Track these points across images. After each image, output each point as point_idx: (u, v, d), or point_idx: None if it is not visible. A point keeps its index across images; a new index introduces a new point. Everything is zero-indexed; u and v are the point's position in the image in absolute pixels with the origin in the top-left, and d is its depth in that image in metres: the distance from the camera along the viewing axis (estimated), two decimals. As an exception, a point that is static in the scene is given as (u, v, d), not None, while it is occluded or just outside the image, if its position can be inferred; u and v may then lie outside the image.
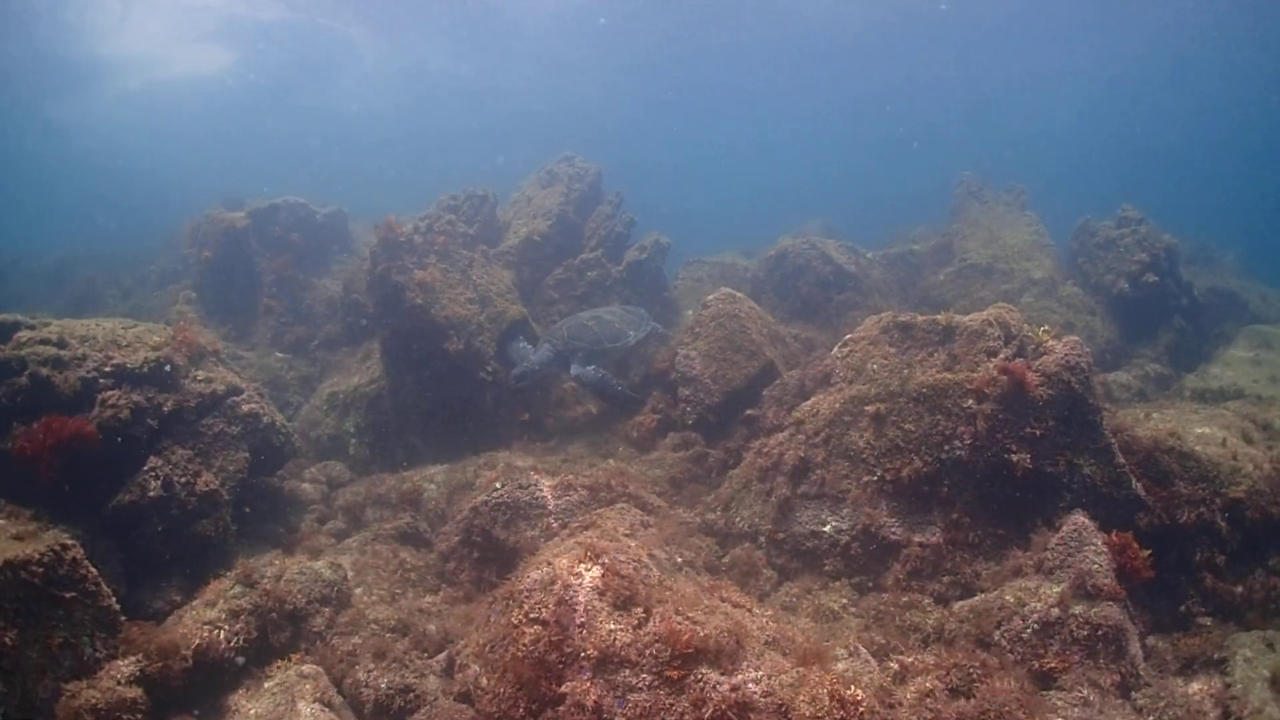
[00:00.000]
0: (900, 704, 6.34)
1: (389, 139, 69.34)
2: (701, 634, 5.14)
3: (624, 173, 18.35)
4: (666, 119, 65.74)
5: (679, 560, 7.28)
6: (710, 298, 12.16)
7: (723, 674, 5.06)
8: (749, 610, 5.97)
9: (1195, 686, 7.07)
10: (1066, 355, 8.41)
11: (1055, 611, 7.06)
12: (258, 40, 46.32)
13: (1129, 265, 16.95)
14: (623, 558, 5.84)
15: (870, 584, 8.20)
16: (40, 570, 6.63)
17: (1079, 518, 7.84)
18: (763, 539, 8.83)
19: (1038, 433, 8.17)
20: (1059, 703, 6.64)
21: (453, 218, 14.27)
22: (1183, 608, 8.07)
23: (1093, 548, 7.55)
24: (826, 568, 8.41)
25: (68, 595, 6.81)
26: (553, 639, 5.63)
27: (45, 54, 41.82)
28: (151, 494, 8.87)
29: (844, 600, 8.00)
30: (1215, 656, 7.45)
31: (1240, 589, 8.08)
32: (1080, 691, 6.77)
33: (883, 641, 7.19)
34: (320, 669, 7.16)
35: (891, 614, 7.62)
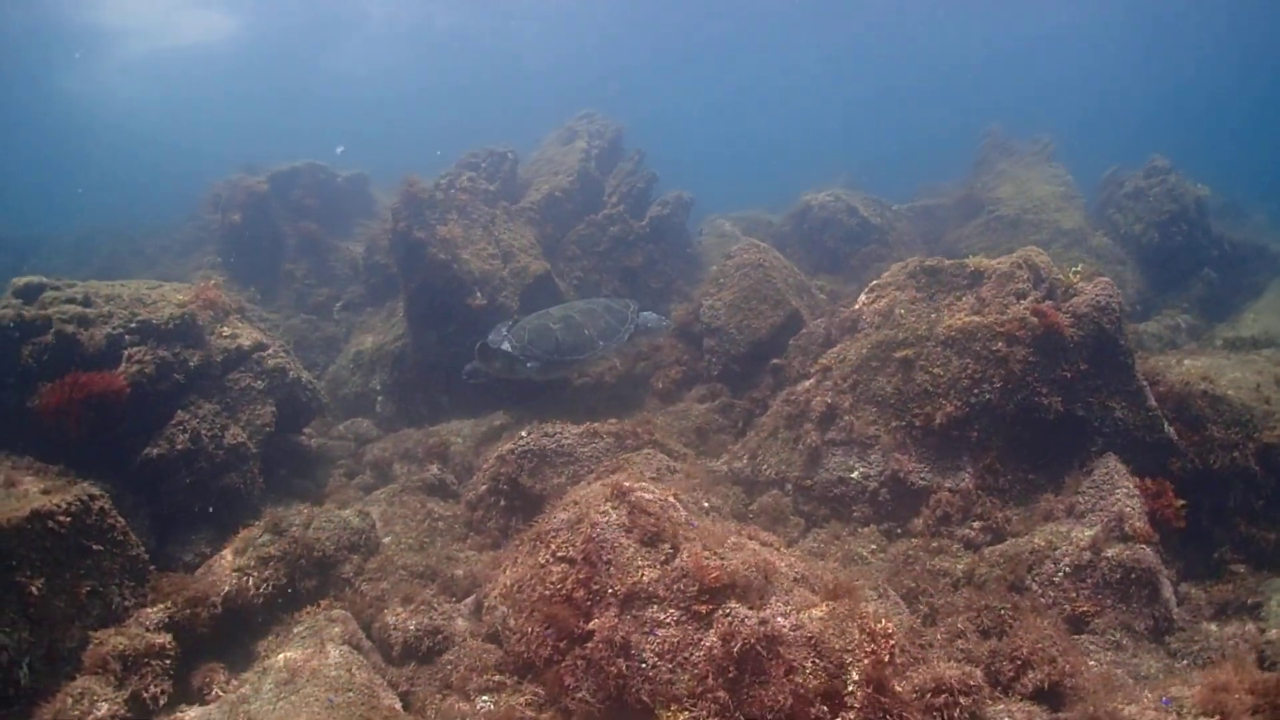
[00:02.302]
0: (931, 644, 6.31)
1: (399, 99, 68.77)
2: (729, 569, 5.10)
3: (636, 130, 18.18)
4: (675, 74, 65.04)
5: (705, 506, 7.25)
6: (735, 247, 12.04)
7: (751, 608, 5.02)
8: (777, 548, 5.92)
9: (1229, 630, 6.97)
10: (1097, 296, 8.27)
11: (1088, 555, 6.98)
12: (261, 3, 45.95)
13: (1158, 215, 16.77)
14: (649, 496, 5.80)
15: (899, 530, 8.13)
16: (67, 520, 6.68)
17: (1111, 460, 7.75)
18: (790, 486, 8.77)
19: (1069, 375, 8.05)
20: (1091, 646, 6.60)
21: (474, 175, 14.22)
22: (1215, 554, 7.96)
23: (1125, 490, 7.46)
24: (854, 514, 8.34)
25: (95, 545, 6.88)
26: (580, 577, 5.62)
27: (49, 22, 41.66)
28: (179, 447, 8.92)
29: (872, 546, 7.94)
30: (1249, 602, 7.36)
31: (1274, 535, 7.95)
32: (1113, 635, 6.71)
33: (912, 585, 7.14)
34: (349, 614, 7.18)
35: (921, 559, 7.56)
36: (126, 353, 9.04)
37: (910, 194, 21.73)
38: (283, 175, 18.10)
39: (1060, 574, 6.98)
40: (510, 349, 10.75)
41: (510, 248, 12.98)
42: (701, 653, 5.01)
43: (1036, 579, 7.04)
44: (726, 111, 76.54)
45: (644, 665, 5.18)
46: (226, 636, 7.18)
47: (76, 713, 6.01)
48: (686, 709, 4.89)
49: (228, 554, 7.77)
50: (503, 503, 8.55)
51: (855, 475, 8.43)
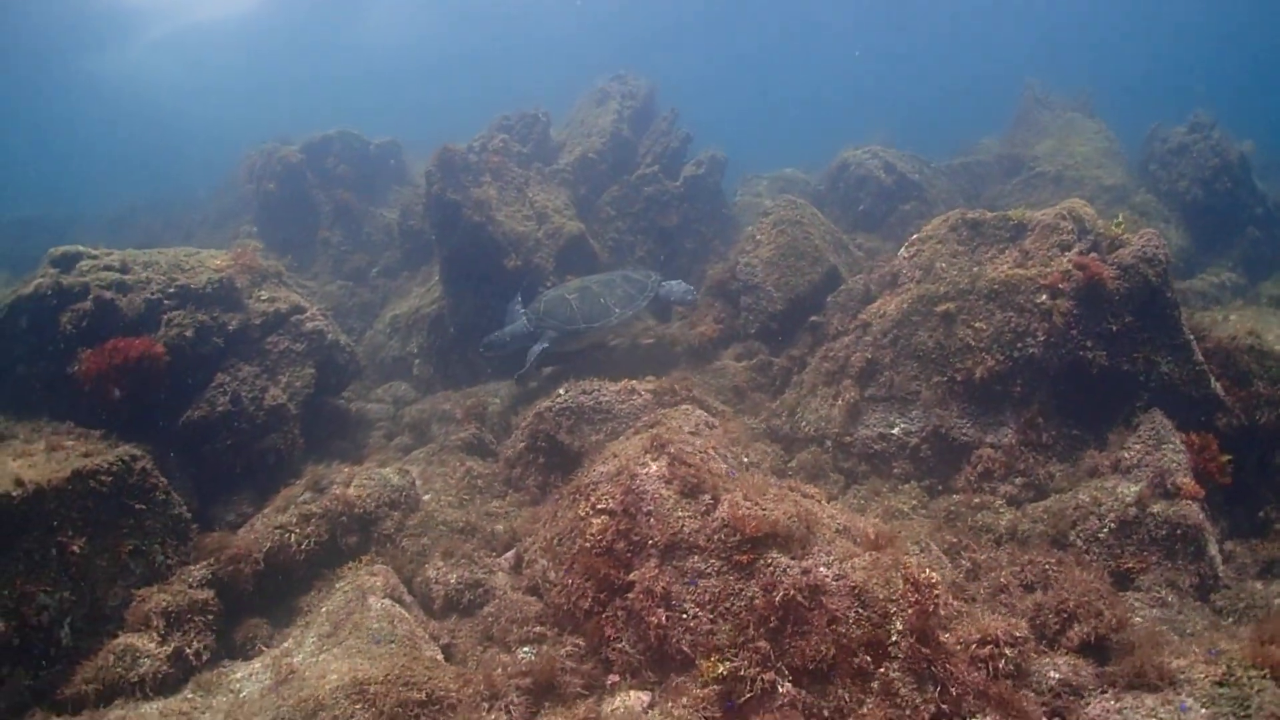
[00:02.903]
0: (974, 598, 6.26)
1: (426, 69, 68.52)
2: (770, 519, 5.06)
3: (669, 90, 18.01)
4: (706, 33, 64.34)
5: (744, 461, 7.19)
6: (770, 203, 11.95)
7: (793, 558, 4.98)
8: (819, 500, 5.87)
9: (1276, 589, 6.85)
10: (1143, 247, 8.08)
11: (1133, 511, 6.87)
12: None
13: (1202, 171, 16.46)
14: (689, 448, 5.77)
15: (940, 486, 8.04)
16: (109, 480, 6.79)
17: (1157, 416, 7.60)
18: (829, 443, 8.70)
19: (1114, 328, 7.89)
20: (1136, 603, 6.50)
21: (506, 137, 14.16)
22: (1261, 513, 7.78)
23: (1171, 446, 7.33)
24: (895, 470, 8.27)
25: (138, 505, 6.98)
26: (620, 528, 5.60)
27: (74, 6, 41.90)
28: (220, 409, 9.03)
29: (913, 502, 7.87)
30: (1295, 559, 7.24)
31: (1320, 495, 7.78)
32: (1158, 592, 6.61)
33: (954, 540, 7.06)
34: (390, 568, 7.24)
35: (963, 515, 7.48)
36: (165, 317, 9.13)
37: (950, 151, 21.42)
38: (316, 144, 18.15)
39: (1105, 530, 6.88)
40: (528, 320, 10.78)
41: (545, 209, 12.92)
42: (743, 603, 4.99)
43: (1081, 535, 6.93)
44: (760, 70, 75.61)
45: (685, 615, 5.17)
46: (270, 593, 7.28)
47: (119, 669, 6.13)
48: (728, 659, 4.87)
49: (269, 512, 7.91)
50: (541, 459, 8.55)
51: (896, 431, 8.34)
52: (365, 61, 65.22)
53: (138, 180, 38.24)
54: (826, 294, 10.79)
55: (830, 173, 17.07)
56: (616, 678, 5.49)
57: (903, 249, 9.63)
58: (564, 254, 12.67)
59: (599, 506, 5.78)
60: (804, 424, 8.98)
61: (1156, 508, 6.83)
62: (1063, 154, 17.96)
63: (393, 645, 6.16)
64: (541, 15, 58.11)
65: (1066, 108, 20.39)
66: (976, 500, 7.63)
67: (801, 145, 27.52)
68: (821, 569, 4.93)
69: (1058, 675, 5.23)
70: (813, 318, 10.54)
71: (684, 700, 4.88)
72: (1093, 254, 8.25)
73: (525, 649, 6.03)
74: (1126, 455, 7.48)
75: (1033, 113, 20.40)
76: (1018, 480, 7.76)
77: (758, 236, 11.66)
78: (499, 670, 5.70)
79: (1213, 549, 6.89)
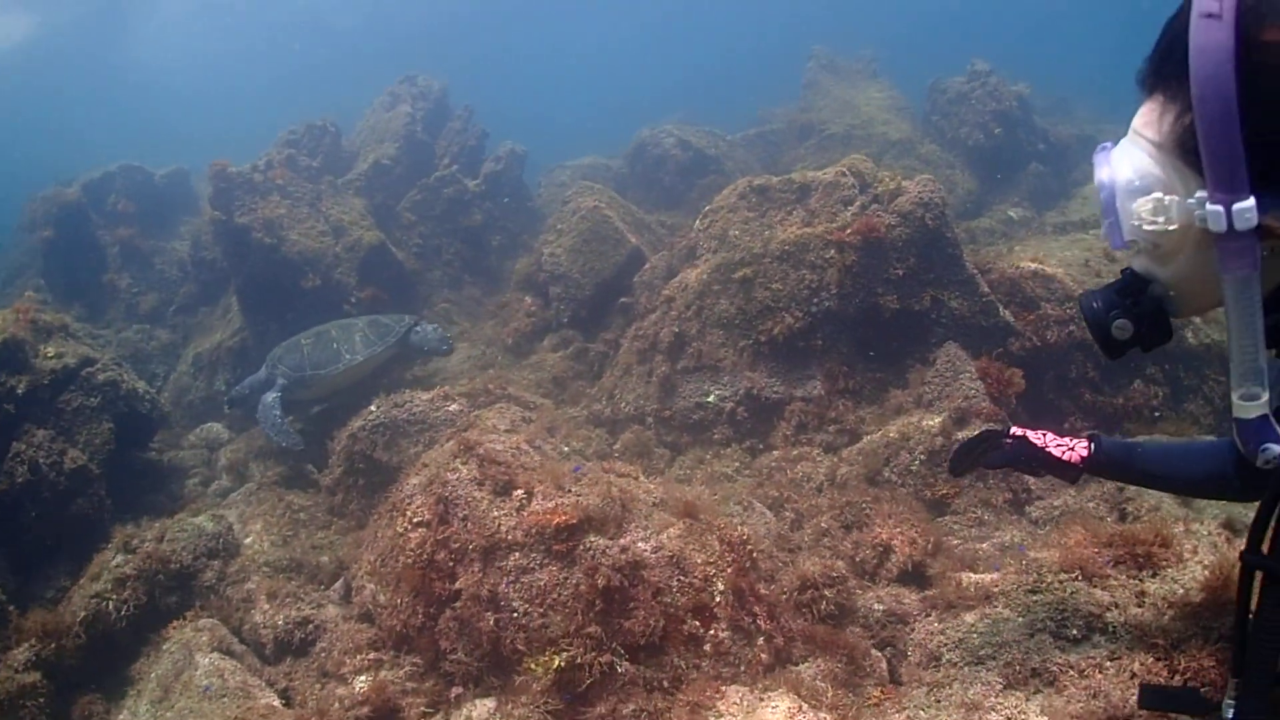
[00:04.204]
0: (800, 547, 6.46)
1: (213, 87, 65.30)
2: (584, 504, 5.08)
3: (461, 88, 17.81)
4: (496, 26, 63.77)
5: (565, 450, 7.22)
6: (570, 193, 11.96)
7: (610, 539, 5.01)
8: (635, 477, 5.93)
9: (1088, 493, 7.31)
10: (919, 193, 8.49)
11: (939, 440, 7.21)
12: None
13: (981, 116, 17.23)
14: (499, 446, 5.73)
15: (761, 445, 8.26)
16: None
17: (951, 349, 8.02)
18: (650, 419, 8.82)
19: (900, 273, 8.27)
20: (955, 526, 6.83)
21: (293, 151, 13.68)
22: (1066, 424, 8.31)
23: (967, 375, 7.75)
24: (716, 436, 8.45)
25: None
26: (439, 538, 5.52)
27: None
28: (20, 480, 8.35)
29: (737, 464, 8.06)
30: (1104, 463, 7.71)
31: (1120, 400, 8.34)
32: (974, 513, 6.97)
33: (776, 495, 7.27)
34: (216, 620, 6.97)
35: (783, 469, 7.71)
36: (-57, 391, 8.44)
37: (749, 123, 21.89)
38: (96, 182, 16.97)
39: (916, 463, 7.20)
40: (268, 368, 10.34)
41: (340, 222, 12.54)
42: (569, 591, 4.98)
43: (895, 470, 7.25)
44: (555, 60, 75.50)
45: (515, 614, 5.13)
46: (99, 667, 6.92)
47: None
48: (563, 649, 4.86)
49: (84, 581, 7.45)
50: (361, 481, 8.34)
51: (711, 399, 8.52)
52: (150, 80, 61.53)
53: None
54: (632, 274, 10.91)
55: (629, 154, 17.24)
56: (460, 689, 5.42)
57: (697, 221, 9.84)
58: (366, 266, 12.34)
59: (415, 520, 5.68)
60: (623, 404, 9.07)
61: (961, 434, 7.17)
62: (850, 114, 18.55)
63: (224, 699, 5.95)
64: (328, 15, 55.96)
65: (852, 71, 21.06)
66: (795, 453, 7.88)
67: (604, 131, 27.65)
68: (640, 544, 4.98)
69: (882, 607, 5.44)
70: (622, 299, 10.64)
71: (523, 699, 4.85)
72: (874, 205, 8.62)
73: (361, 678, 5.88)
74: (927, 390, 7.88)
75: (821, 79, 20.99)
76: (831, 428, 8.06)
77: (559, 226, 11.67)
78: (335, 705, 5.55)
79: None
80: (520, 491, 5.35)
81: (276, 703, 6.01)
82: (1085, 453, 3.91)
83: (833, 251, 8.31)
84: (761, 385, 8.32)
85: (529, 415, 7.59)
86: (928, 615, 5.29)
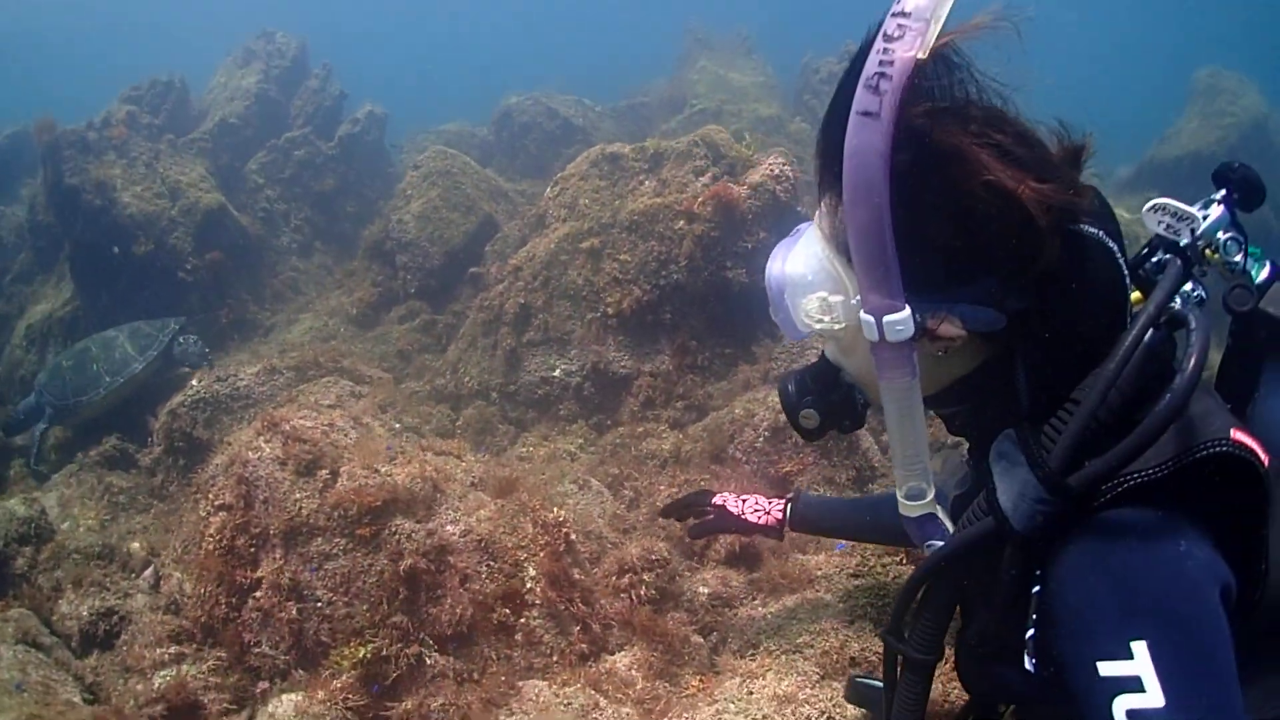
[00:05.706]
0: (634, 527, 6.24)
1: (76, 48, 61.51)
2: (390, 485, 4.73)
3: (324, 46, 17.04)
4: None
5: (397, 426, 6.85)
6: (421, 157, 11.48)
7: (418, 522, 4.68)
8: (456, 455, 5.60)
9: (935, 463, 7.29)
10: (772, 166, 8.35)
11: (783, 417, 7.06)
12: None
13: (860, 94, 17.32)
14: (308, 423, 5.32)
15: (608, 421, 8.02)
16: None
17: (799, 324, 7.90)
18: (494, 394, 8.48)
19: (750, 246, 8.10)
20: (781, 506, 6.70)
21: (134, 109, 12.84)
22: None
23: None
24: (561, 412, 8.17)
25: None
26: (239, 522, 5.10)
27: None
28: None
29: (581, 441, 7.81)
30: (949, 441, 7.72)
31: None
32: (816, 490, 6.84)
33: (617, 472, 7.03)
34: (28, 610, 6.36)
35: (628, 445, 7.48)
36: None
37: (620, 95, 21.65)
38: (-86, 146, 15.74)
39: (760, 439, 7.03)
40: (36, 394, 9.57)
41: (177, 184, 11.76)
42: (374, 578, 4.66)
43: (739, 447, 7.07)
44: (425, 23, 73.69)
45: (319, 604, 4.79)
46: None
47: None
48: (368, 641, 4.54)
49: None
50: (181, 461, 7.79)
51: (557, 373, 8.24)
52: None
53: None
54: (484, 243, 10.51)
55: (495, 120, 16.80)
56: (265, 684, 5.03)
57: (548, 189, 9.52)
58: (203, 231, 11.57)
59: (217, 503, 5.24)
60: (467, 379, 8.70)
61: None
62: (722, 90, 18.51)
63: (24, 694, 5.44)
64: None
65: (726, 48, 21.02)
66: (640, 429, 7.66)
67: (475, 98, 26.94)
68: (448, 527, 4.68)
69: (708, 590, 5.24)
70: (472, 269, 10.24)
71: (320, 695, 4.51)
72: (726, 177, 8.44)
73: (162, 673, 5.43)
74: (774, 365, 7.76)
75: (694, 54, 20.89)
76: (679, 404, 7.86)
77: (408, 192, 11.17)
78: (131, 703, 5.11)
79: (867, 442, 7.18)
80: (325, 471, 4.97)
81: (77, 699, 5.52)
82: (780, 515, 4.28)
83: (682, 222, 8.09)
84: (609, 359, 8.07)
85: (359, 390, 7.17)
86: (753, 599, 5.14)
